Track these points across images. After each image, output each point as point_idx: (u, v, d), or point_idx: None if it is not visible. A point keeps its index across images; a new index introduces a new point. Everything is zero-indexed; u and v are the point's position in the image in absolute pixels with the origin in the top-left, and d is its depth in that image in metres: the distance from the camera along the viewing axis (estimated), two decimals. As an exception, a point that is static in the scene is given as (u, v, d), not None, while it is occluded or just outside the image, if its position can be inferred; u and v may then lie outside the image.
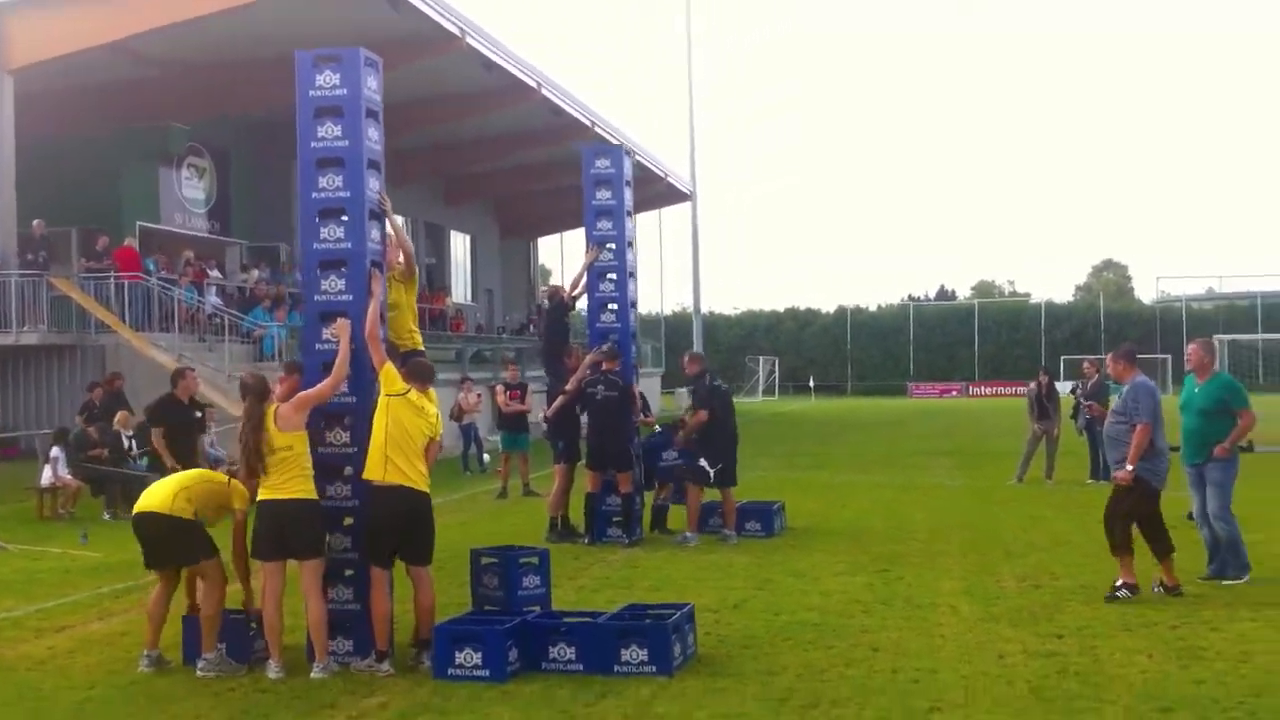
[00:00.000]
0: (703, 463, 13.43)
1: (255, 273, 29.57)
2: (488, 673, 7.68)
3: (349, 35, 25.23)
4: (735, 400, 14.93)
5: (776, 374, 73.23)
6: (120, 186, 28.63)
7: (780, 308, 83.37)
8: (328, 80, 8.49)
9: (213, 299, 26.40)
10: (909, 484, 19.84)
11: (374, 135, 8.64)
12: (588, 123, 35.71)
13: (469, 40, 26.95)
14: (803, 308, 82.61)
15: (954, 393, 69.79)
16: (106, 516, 16.26)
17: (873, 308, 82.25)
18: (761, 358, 72.88)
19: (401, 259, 9.45)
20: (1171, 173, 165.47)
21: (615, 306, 14.36)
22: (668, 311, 70.72)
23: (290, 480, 8.00)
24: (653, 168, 43.08)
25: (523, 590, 9.05)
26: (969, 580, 10.92)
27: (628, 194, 14.46)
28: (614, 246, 14.32)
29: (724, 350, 74.04)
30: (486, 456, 23.54)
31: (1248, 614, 9.28)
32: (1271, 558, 11.93)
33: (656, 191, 46.30)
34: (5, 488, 18.63)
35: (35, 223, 24.10)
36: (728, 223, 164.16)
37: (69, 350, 23.89)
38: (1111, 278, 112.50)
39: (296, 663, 8.08)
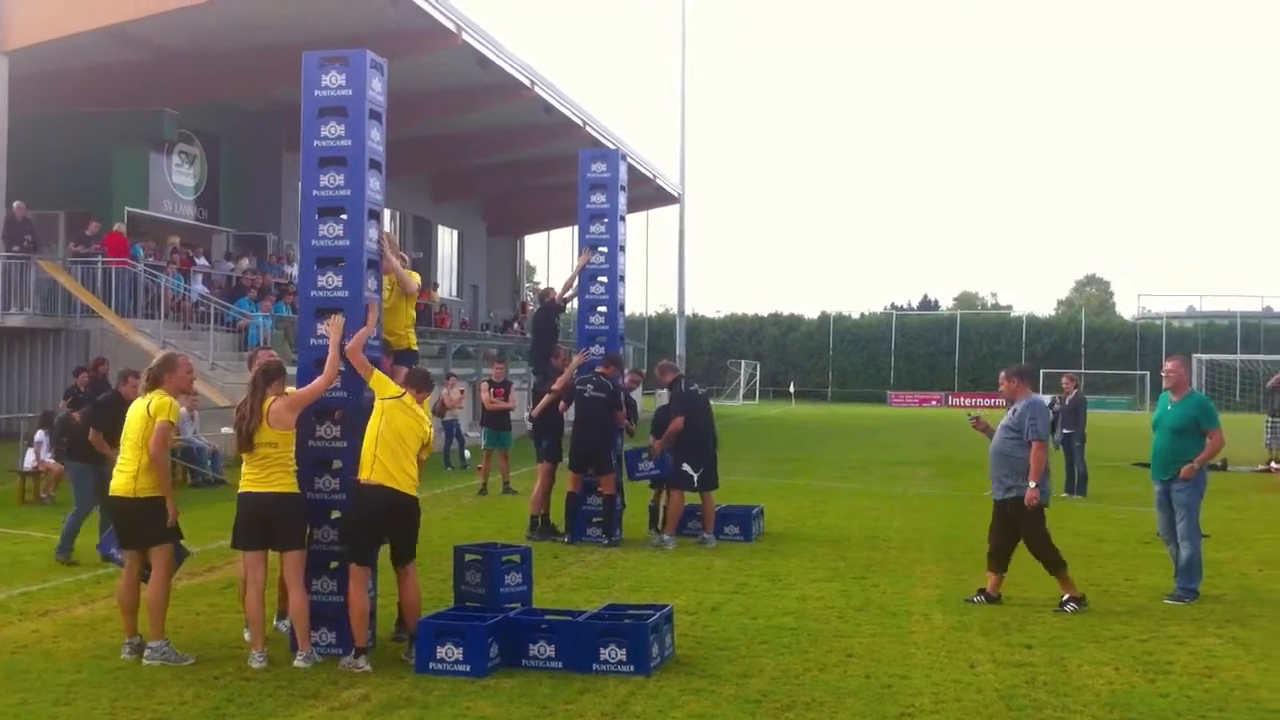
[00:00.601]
0: (686, 467, 13.57)
1: (244, 262, 29.59)
2: (468, 668, 7.82)
3: (346, 28, 25.49)
4: (715, 404, 15.05)
5: (758, 378, 73.47)
6: (110, 171, 28.59)
7: (764, 312, 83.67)
8: (333, 80, 8.62)
9: (199, 287, 26.43)
10: (887, 492, 20.02)
11: (376, 136, 8.77)
12: (579, 122, 35.83)
13: (465, 37, 27.04)
14: (786, 313, 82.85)
15: (934, 402, 70.11)
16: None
17: (856, 315, 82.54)
18: (743, 362, 73.10)
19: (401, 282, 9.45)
20: (1156, 191, 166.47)
21: (604, 309, 14.50)
22: (651, 313, 70.92)
23: (272, 474, 8.12)
24: (642, 169, 43.19)
25: (504, 587, 9.18)
26: (943, 589, 11.10)
27: (621, 198, 14.61)
28: (605, 250, 14.48)
29: (706, 353, 74.25)
30: (468, 453, 23.65)
31: (1214, 630, 9.47)
32: (1239, 575, 12.16)
33: (645, 193, 46.40)
34: (-14, 470, 18.65)
35: (15, 204, 24.04)
36: (714, 226, 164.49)
37: (54, 334, 23.89)
38: (1094, 293, 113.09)
39: (279, 654, 8.23)
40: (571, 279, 14.83)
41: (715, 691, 7.54)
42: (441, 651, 7.89)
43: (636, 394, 16.31)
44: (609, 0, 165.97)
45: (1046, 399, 28.39)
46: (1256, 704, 7.43)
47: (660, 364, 14.62)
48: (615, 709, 7.17)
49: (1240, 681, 7.94)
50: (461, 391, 23.88)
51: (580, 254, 14.58)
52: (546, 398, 14.22)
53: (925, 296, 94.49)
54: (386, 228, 9.31)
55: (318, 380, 8.34)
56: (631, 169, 39.91)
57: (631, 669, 7.86)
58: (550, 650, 8.04)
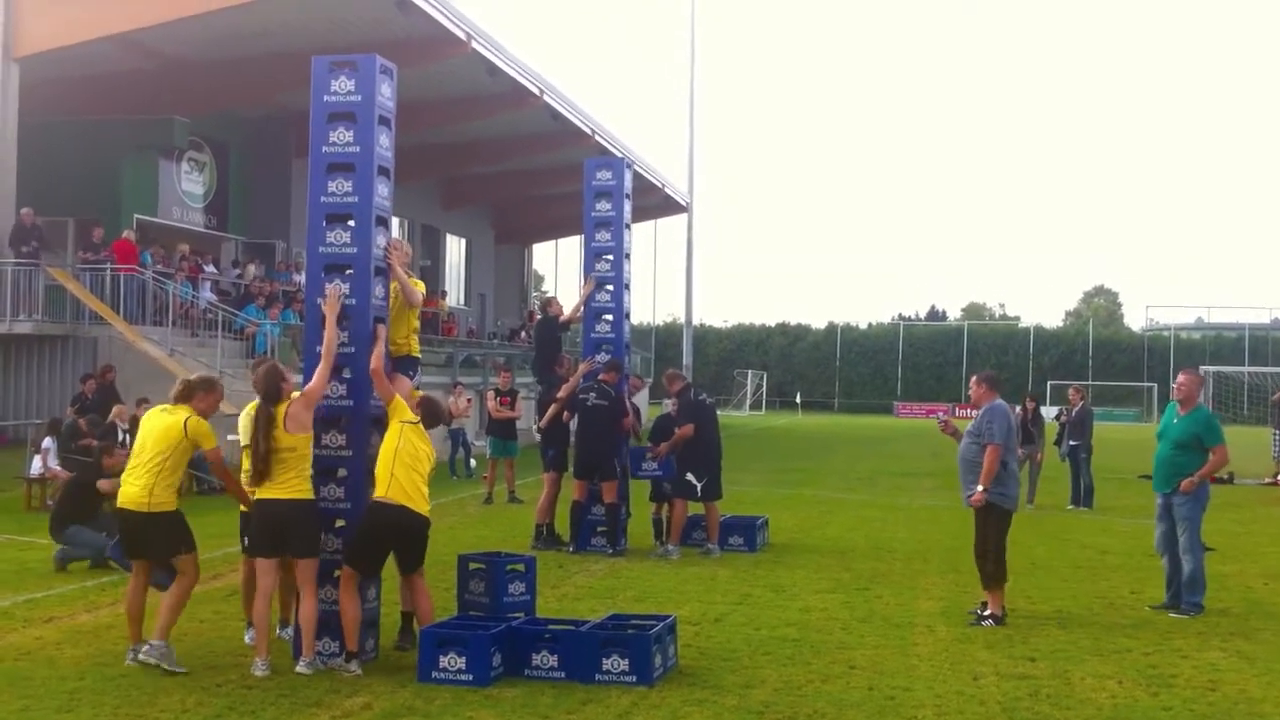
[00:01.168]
0: (689, 477, 13.57)
1: (251, 269, 29.66)
2: (471, 677, 7.81)
3: (355, 36, 25.57)
4: (721, 414, 15.04)
5: (764, 388, 73.43)
6: (120, 178, 28.70)
7: (771, 322, 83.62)
8: (342, 86, 8.63)
9: (207, 294, 26.48)
10: (892, 503, 20.00)
11: (385, 142, 8.78)
12: (587, 130, 35.90)
13: (474, 44, 27.13)
14: (793, 323, 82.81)
15: (938, 414, 69.81)
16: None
17: (863, 325, 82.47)
18: (750, 371, 73.07)
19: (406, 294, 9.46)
20: (1164, 202, 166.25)
21: (610, 317, 14.51)
22: (658, 322, 70.94)
23: (289, 480, 8.13)
24: (650, 178, 43.27)
25: (508, 597, 9.19)
26: (947, 601, 11.08)
27: (627, 206, 14.60)
28: (611, 258, 14.47)
29: (713, 363, 74.27)
30: (473, 462, 23.66)
31: (1218, 644, 9.45)
32: (1244, 589, 12.14)
33: (653, 202, 46.49)
34: (-7, 476, 18.70)
35: (23, 211, 24.11)
36: (721, 236, 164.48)
37: (61, 341, 23.94)
38: (1102, 304, 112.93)
39: (281, 662, 8.25)
40: (577, 307, 14.87)
41: (718, 702, 7.54)
42: (444, 660, 7.88)
43: (642, 398, 16.28)
44: (618, 9, 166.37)
45: (1052, 411, 28.48)
46: (1260, 718, 7.41)
47: (668, 373, 14.61)
48: (618, 719, 7.17)
49: (1244, 695, 7.92)
50: (469, 400, 23.88)
51: (585, 282, 14.61)
52: (553, 407, 14.23)
53: (933, 307, 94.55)
54: (395, 235, 9.29)
55: (319, 370, 8.33)
56: (639, 178, 40.03)
57: (634, 679, 7.85)
58: (553, 660, 8.03)
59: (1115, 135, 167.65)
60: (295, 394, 8.37)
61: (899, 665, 8.57)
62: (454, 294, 44.83)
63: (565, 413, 14.28)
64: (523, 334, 43.82)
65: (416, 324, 9.55)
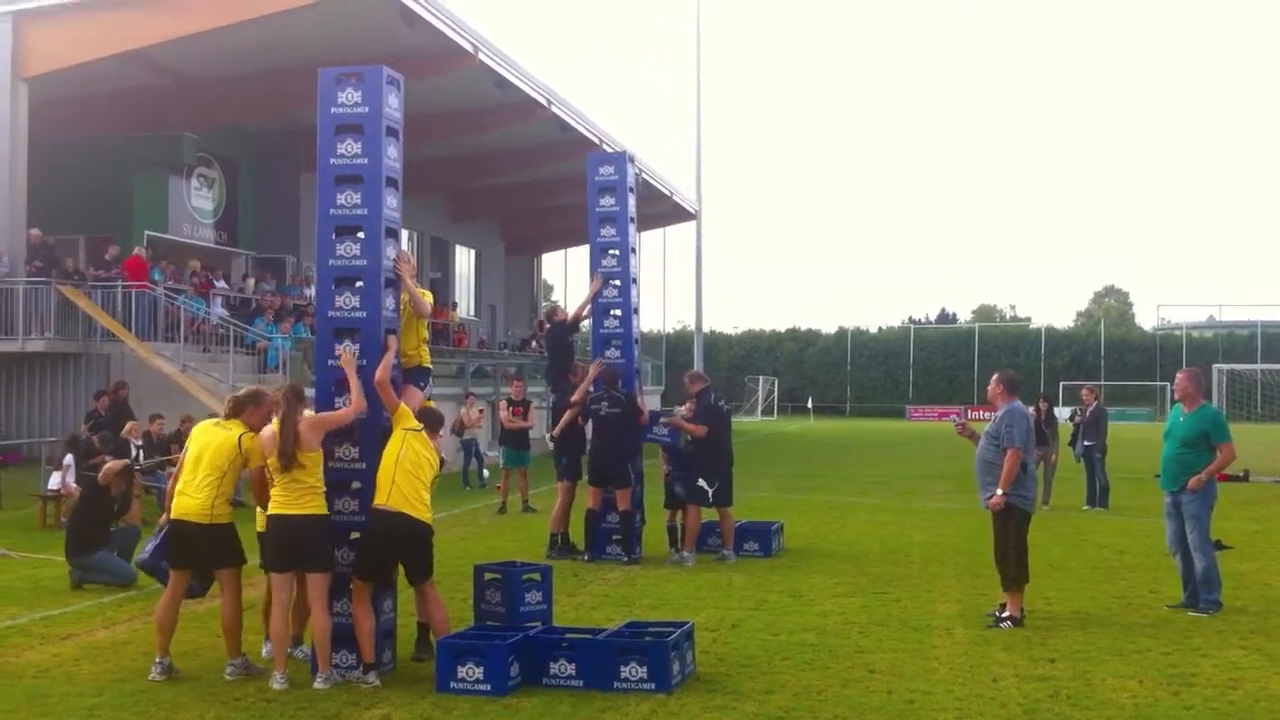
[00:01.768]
0: (701, 482, 13.56)
1: (251, 283, 29.74)
2: (489, 687, 7.80)
3: (363, 49, 25.65)
4: (733, 420, 15.01)
5: (775, 394, 73.37)
6: (130, 195, 28.79)
7: (781, 328, 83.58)
8: (350, 97, 8.64)
9: (218, 309, 26.54)
10: (907, 507, 19.96)
11: (393, 153, 8.78)
12: (596, 140, 35.87)
13: (482, 57, 27.14)
14: (804, 328, 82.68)
15: (953, 417, 69.72)
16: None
17: (873, 329, 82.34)
18: (761, 377, 73.03)
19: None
20: (1174, 201, 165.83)
21: (619, 312, 14.50)
22: (669, 330, 70.92)
23: (302, 496, 8.14)
24: (659, 186, 43.25)
25: (525, 606, 9.18)
26: (964, 603, 11.05)
27: (631, 200, 14.59)
28: (617, 253, 14.44)
29: (724, 369, 74.16)
30: (486, 472, 23.66)
31: (1238, 641, 9.41)
32: (1262, 586, 12.09)
33: (662, 210, 46.46)
34: (7, 494, 18.73)
35: (32, 232, 24.20)
36: (731, 242, 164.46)
37: (74, 358, 23.99)
38: (1113, 304, 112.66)
39: (300, 676, 8.25)
40: (584, 305, 14.83)
41: (737, 708, 7.52)
42: (462, 671, 7.88)
43: (653, 404, 16.24)
44: (625, 19, 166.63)
45: (1065, 411, 28.42)
46: (1283, 716, 7.36)
47: (690, 374, 14.54)
48: (637, 727, 7.16)
49: (1265, 693, 7.88)
50: (480, 411, 23.89)
51: (592, 280, 14.59)
52: (567, 414, 14.23)
53: (943, 310, 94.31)
54: (403, 247, 9.29)
55: (345, 410, 8.41)
56: (648, 185, 40.03)
57: (653, 687, 7.84)
58: (571, 669, 8.03)
59: (1121, 134, 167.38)
60: (308, 412, 8.42)
61: (918, 669, 8.54)
62: (464, 305, 44.89)
63: (580, 419, 14.26)
64: (533, 344, 43.84)
65: (426, 334, 9.54)
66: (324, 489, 8.29)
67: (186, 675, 8.39)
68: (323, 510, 8.25)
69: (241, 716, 7.40)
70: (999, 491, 9.97)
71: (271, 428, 8.26)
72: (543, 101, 31.82)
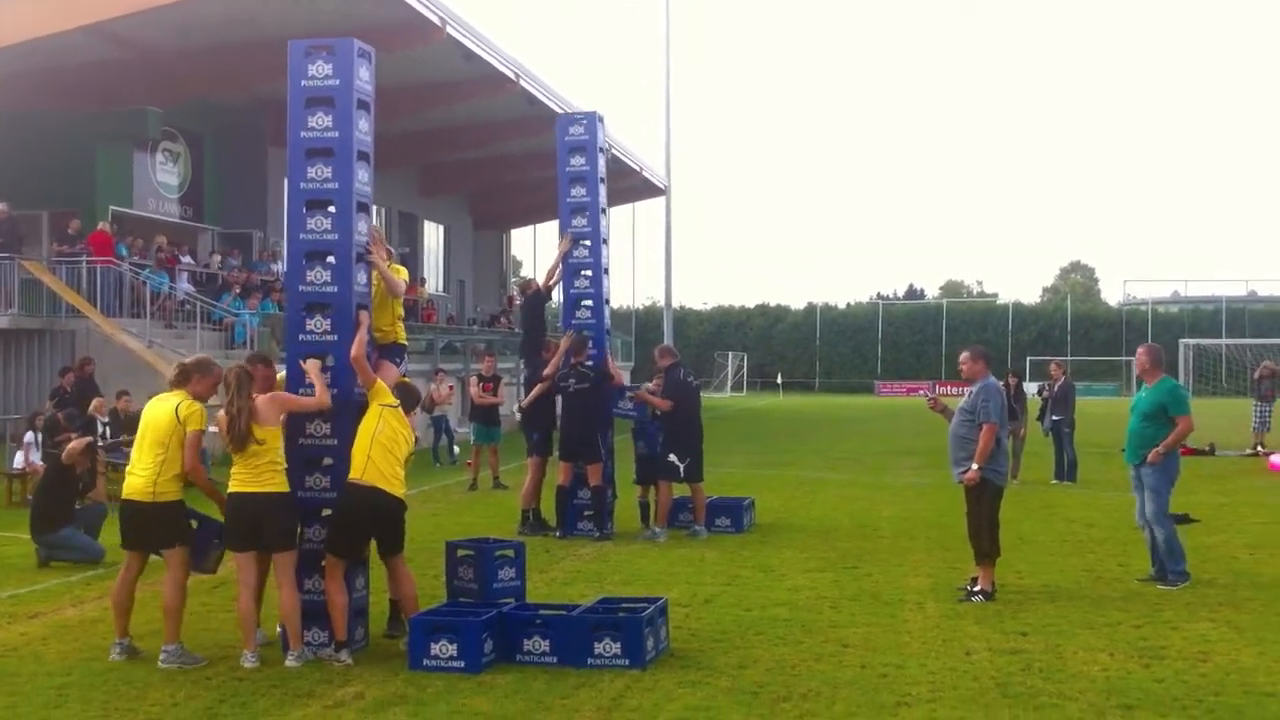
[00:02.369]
0: (672, 458, 13.56)
1: (217, 258, 29.49)
2: (463, 664, 7.77)
3: (330, 23, 25.40)
4: (702, 396, 14.99)
5: (745, 370, 73.51)
6: (94, 169, 28.41)
7: (750, 304, 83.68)
8: (320, 70, 8.52)
9: (184, 285, 26.30)
10: (877, 482, 20.02)
11: (364, 127, 8.68)
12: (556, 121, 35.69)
13: (449, 30, 26.89)
14: (773, 304, 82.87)
15: (921, 392, 70.08)
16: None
17: (842, 305, 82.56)
18: (730, 353, 73.12)
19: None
20: (1139, 177, 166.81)
21: (590, 273, 14.43)
22: (639, 306, 70.90)
23: (262, 474, 8.05)
24: (628, 161, 43.09)
25: (498, 583, 9.14)
26: (935, 578, 11.09)
27: (601, 160, 14.53)
28: (588, 222, 14.33)
29: (694, 345, 74.23)
30: (456, 449, 23.58)
31: (1207, 614, 9.48)
32: (1229, 559, 12.19)
33: (631, 185, 46.30)
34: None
35: (0, 206, 23.91)
36: (700, 218, 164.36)
37: (38, 335, 23.72)
38: (1079, 280, 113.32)
39: (271, 654, 8.21)
40: (554, 267, 14.72)
41: (711, 684, 7.51)
42: (435, 648, 7.84)
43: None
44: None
45: (1032, 386, 28.56)
46: (1253, 687, 7.42)
47: (660, 348, 14.53)
48: (611, 703, 7.14)
49: (1235, 665, 7.94)
50: (450, 387, 23.80)
51: (561, 240, 14.50)
52: (538, 388, 14.16)
53: (911, 286, 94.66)
54: (373, 223, 9.18)
55: (309, 400, 8.33)
56: (617, 160, 39.83)
57: (626, 663, 7.82)
58: (545, 645, 8.00)
59: (1086, 111, 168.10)
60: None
61: (890, 643, 8.56)
62: (433, 281, 44.66)
63: (551, 393, 14.19)
64: (503, 319, 43.70)
65: (401, 311, 9.45)
66: (284, 465, 8.20)
67: (155, 654, 8.28)
68: (283, 487, 8.15)
69: (213, 695, 7.33)
70: (974, 466, 9.98)
71: (223, 411, 8.15)
72: (511, 76, 31.58)
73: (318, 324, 8.52)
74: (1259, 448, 25.08)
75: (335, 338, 8.46)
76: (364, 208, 8.70)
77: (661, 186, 48.04)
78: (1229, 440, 26.37)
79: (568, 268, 14.44)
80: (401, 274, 9.41)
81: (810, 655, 8.21)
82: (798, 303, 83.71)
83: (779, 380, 70.57)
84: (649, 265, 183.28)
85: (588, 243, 14.37)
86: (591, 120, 14.60)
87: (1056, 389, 20.33)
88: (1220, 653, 8.26)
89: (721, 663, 8.02)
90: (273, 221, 33.21)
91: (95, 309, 23.59)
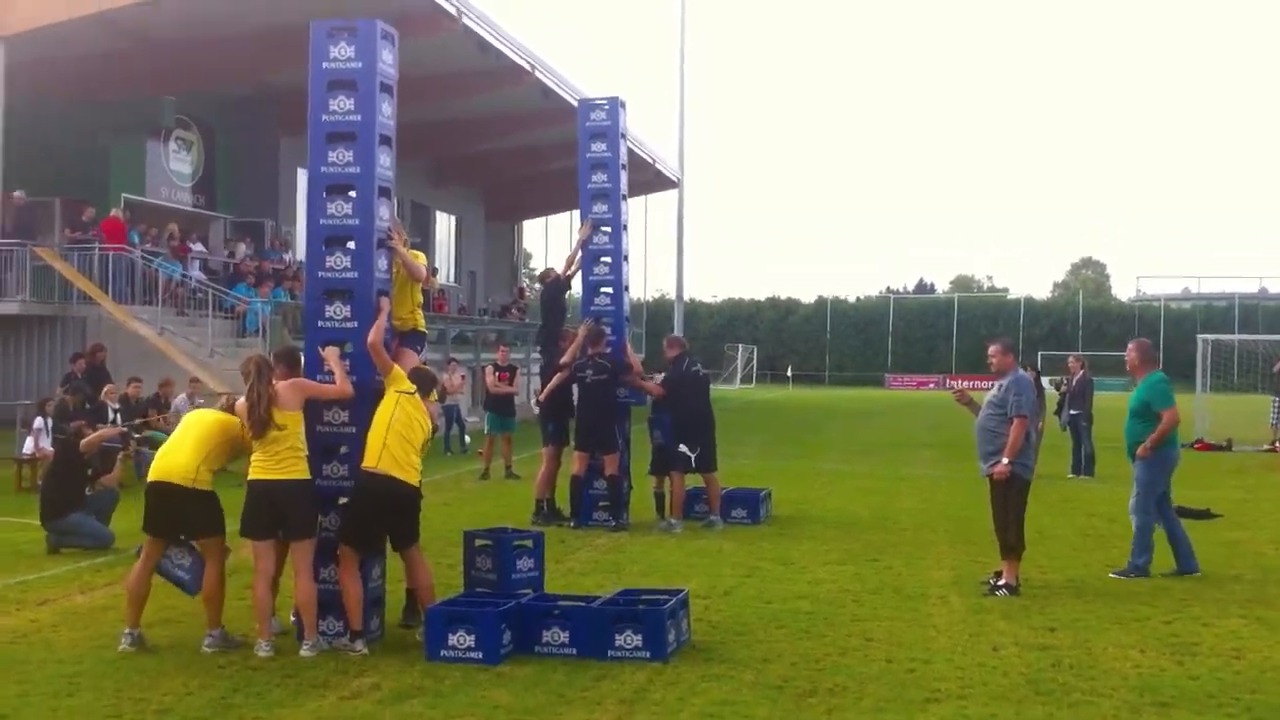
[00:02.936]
0: (683, 448, 13.40)
1: (241, 247, 29.38)
2: (480, 655, 7.61)
3: (344, 11, 25.07)
4: (712, 388, 14.82)
5: (755, 362, 73.30)
6: (107, 158, 28.30)
7: (761, 297, 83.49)
8: (342, 52, 8.34)
9: (196, 273, 26.17)
10: (894, 474, 19.84)
11: (387, 111, 8.51)
12: (578, 106, 35.49)
13: (465, 20, 26.72)
14: (783, 297, 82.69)
15: (931, 385, 69.94)
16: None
17: (852, 299, 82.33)
18: (740, 346, 72.92)
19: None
20: (1149, 174, 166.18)
21: (609, 259, 14.26)
22: (649, 298, 70.65)
23: (283, 460, 7.91)
24: (641, 154, 42.87)
25: (516, 573, 8.99)
26: (958, 571, 10.92)
27: (623, 146, 14.37)
28: (608, 208, 14.15)
29: (704, 338, 74.03)
30: (468, 438, 23.45)
31: (1237, 611, 9.30)
32: (1255, 555, 12.03)
33: (644, 178, 46.07)
34: (-18, 458, 18.40)
35: (15, 194, 23.81)
36: (711, 211, 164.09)
37: (50, 321, 23.62)
38: (1090, 275, 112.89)
39: (285, 643, 8.07)
40: (574, 254, 14.56)
41: (735, 677, 7.35)
42: (453, 639, 7.68)
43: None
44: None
45: (1048, 381, 28.33)
46: (1289, 686, 7.24)
47: (668, 338, 14.42)
48: (634, 696, 6.98)
49: (1269, 663, 7.76)
50: (463, 377, 23.67)
51: (582, 226, 14.34)
52: (555, 377, 13.99)
53: (921, 280, 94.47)
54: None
55: (331, 387, 8.18)
56: (631, 153, 39.48)
57: (647, 655, 7.66)
58: (564, 636, 7.84)
59: (1097, 107, 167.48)
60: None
61: (916, 637, 8.39)
62: (444, 271, 44.52)
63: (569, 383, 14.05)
64: (513, 310, 43.56)
65: (420, 298, 9.31)
66: (306, 452, 8.05)
67: (167, 643, 8.18)
68: (305, 474, 8.01)
69: (226, 685, 7.18)
70: (1005, 460, 9.81)
71: (244, 399, 8.03)
72: (526, 67, 31.40)
73: (337, 310, 8.36)
74: (1277, 443, 24.88)
75: (355, 325, 8.30)
76: (385, 193, 8.53)
77: (674, 179, 47.82)
78: (1247, 436, 26.14)
79: (587, 254, 14.27)
80: (420, 259, 9.27)
81: (835, 649, 8.04)
82: (807, 296, 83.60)
83: (789, 373, 70.37)
84: (660, 258, 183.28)
85: (608, 229, 14.20)
86: (613, 105, 14.42)
87: (1075, 383, 20.15)
88: (1253, 649, 8.09)
89: (744, 656, 7.86)
90: (284, 210, 33.09)
91: (107, 296, 23.48)
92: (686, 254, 48.33)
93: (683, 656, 7.84)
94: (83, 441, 12.07)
